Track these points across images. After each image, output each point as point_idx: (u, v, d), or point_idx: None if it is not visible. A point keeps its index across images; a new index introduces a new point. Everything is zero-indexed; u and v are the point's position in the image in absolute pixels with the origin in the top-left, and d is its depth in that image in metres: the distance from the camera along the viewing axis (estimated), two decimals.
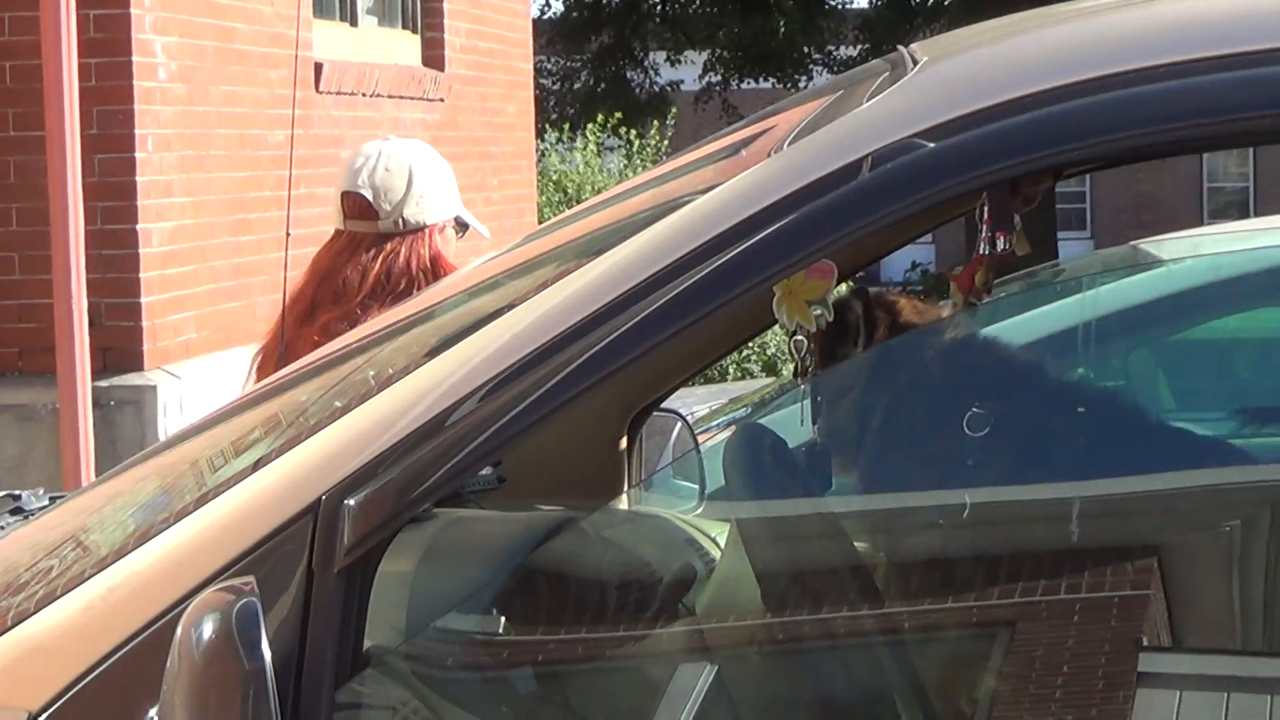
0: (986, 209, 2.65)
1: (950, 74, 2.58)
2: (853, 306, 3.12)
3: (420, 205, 4.93)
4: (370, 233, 4.91)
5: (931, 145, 2.37)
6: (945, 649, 2.77)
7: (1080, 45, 2.54)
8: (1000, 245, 2.51)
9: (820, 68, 26.43)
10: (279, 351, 4.86)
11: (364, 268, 4.86)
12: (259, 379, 4.89)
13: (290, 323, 4.89)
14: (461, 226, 5.09)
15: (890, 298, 3.29)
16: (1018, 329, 4.70)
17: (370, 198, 4.90)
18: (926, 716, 2.66)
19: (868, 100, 2.53)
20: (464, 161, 12.47)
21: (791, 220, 2.36)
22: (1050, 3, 2.95)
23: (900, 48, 2.82)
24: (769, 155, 2.50)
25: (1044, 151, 2.42)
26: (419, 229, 4.93)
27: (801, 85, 25.21)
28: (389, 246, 4.89)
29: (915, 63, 2.64)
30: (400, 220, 4.91)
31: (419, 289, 4.78)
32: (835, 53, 26.73)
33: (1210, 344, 5.74)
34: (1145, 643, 2.71)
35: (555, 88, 27.48)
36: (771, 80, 25.92)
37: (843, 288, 2.92)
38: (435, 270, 4.93)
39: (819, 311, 2.55)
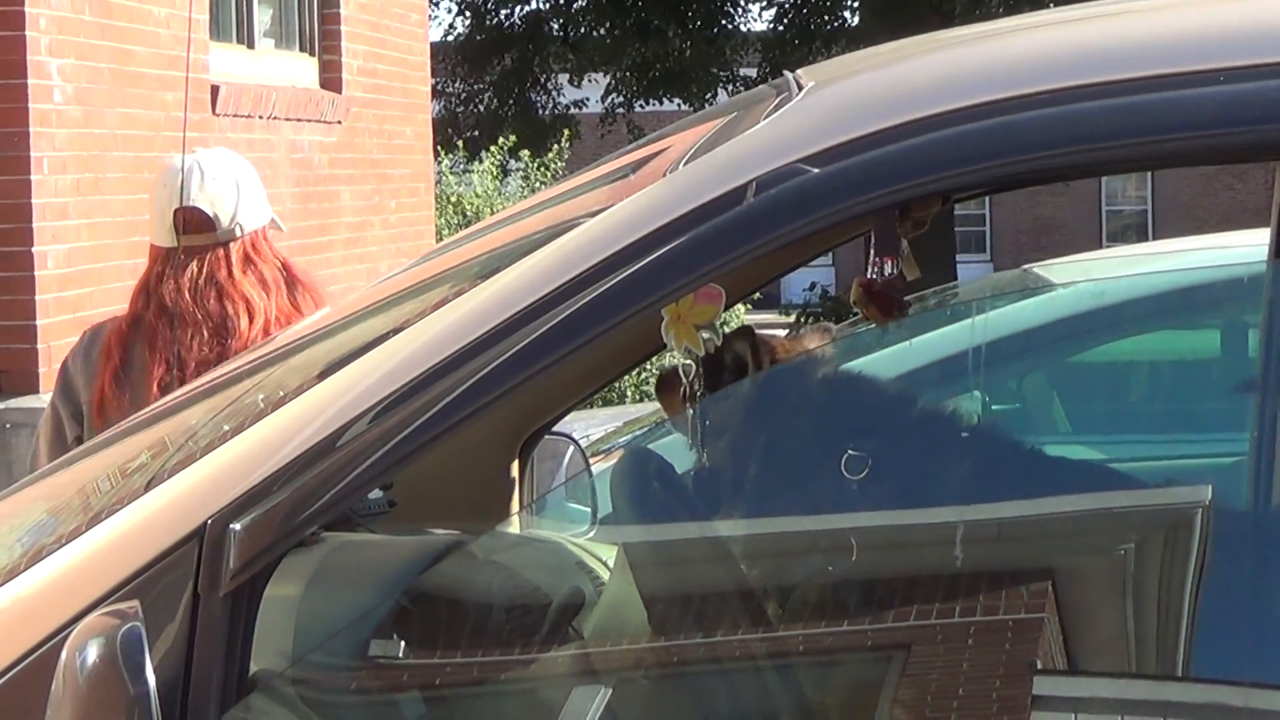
0: (873, 234, 2.66)
1: (834, 99, 2.58)
2: (733, 347, 3.11)
3: (250, 210, 5.05)
4: (210, 244, 4.97)
5: (815, 170, 2.37)
6: (837, 673, 2.77)
7: (964, 71, 2.54)
8: (888, 269, 2.52)
9: (727, 86, 26.55)
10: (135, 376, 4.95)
11: (223, 280, 4.94)
12: (101, 408, 4.94)
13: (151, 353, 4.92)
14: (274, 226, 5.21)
15: (772, 342, 3.28)
16: (909, 352, 4.72)
17: (207, 210, 4.96)
18: None
19: (757, 124, 2.53)
20: (362, 184, 12.46)
21: (679, 244, 2.37)
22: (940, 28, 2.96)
23: (786, 72, 2.82)
24: (661, 177, 2.50)
25: (928, 176, 2.42)
26: (253, 232, 5.04)
27: (709, 104, 25.32)
28: (236, 253, 4.98)
29: (800, 88, 2.64)
30: (238, 226, 5.01)
31: (278, 288, 4.97)
32: (739, 73, 26.83)
33: (1102, 367, 5.77)
34: (1039, 666, 2.71)
35: (459, 109, 27.51)
36: (677, 101, 26.00)
37: (742, 312, 2.91)
38: (285, 267, 5.08)
39: (707, 336, 2.55)
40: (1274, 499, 3.14)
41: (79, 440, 4.96)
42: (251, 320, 4.92)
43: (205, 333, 4.91)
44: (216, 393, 2.97)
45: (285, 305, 5.01)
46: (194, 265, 4.96)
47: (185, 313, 4.92)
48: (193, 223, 4.96)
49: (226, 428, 2.52)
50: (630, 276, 2.37)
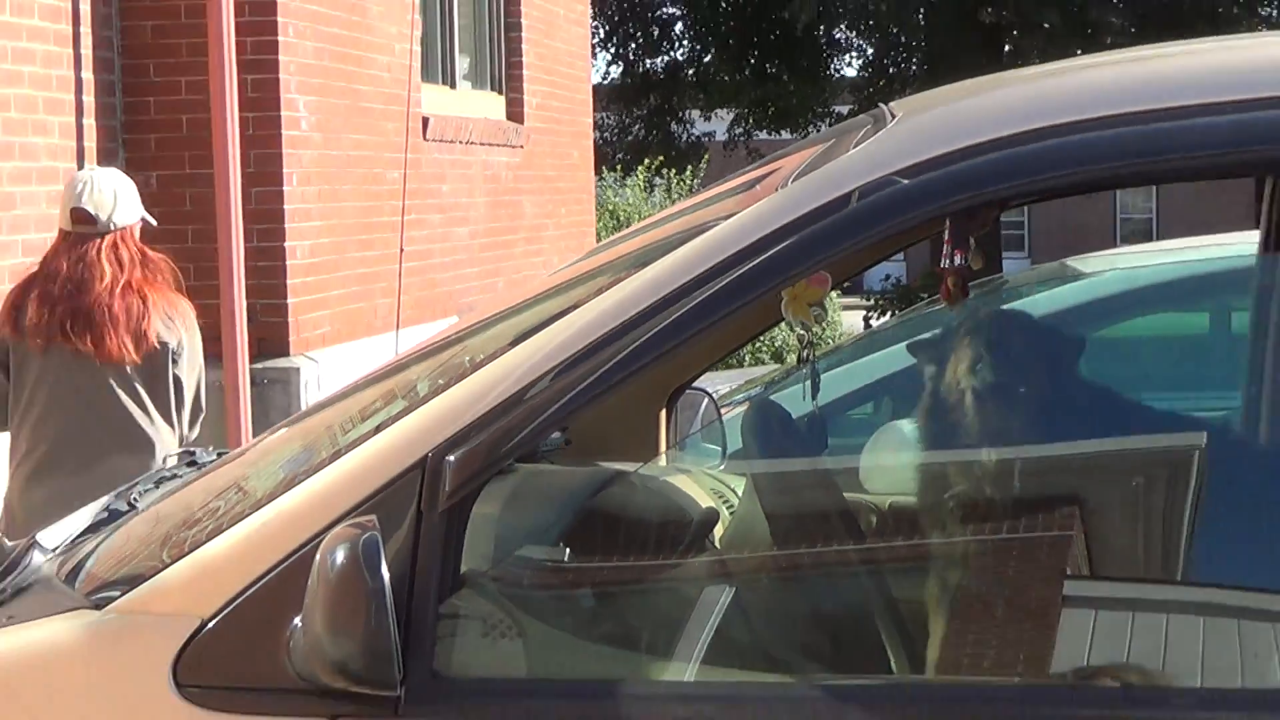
0: (948, 232, 2.65)
1: (920, 126, 2.57)
2: None
3: (123, 213, 5.65)
4: (92, 233, 5.59)
5: (906, 182, 2.37)
6: (916, 577, 2.76)
7: (1019, 104, 2.53)
8: (958, 260, 2.51)
9: (825, 120, 26.37)
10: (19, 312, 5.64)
11: (92, 257, 5.58)
12: (12, 328, 5.64)
13: (33, 301, 5.60)
14: (147, 223, 5.85)
15: None
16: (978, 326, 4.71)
17: (92, 210, 5.59)
18: (899, 629, 2.65)
19: (855, 146, 2.52)
20: (538, 195, 12.48)
21: (795, 240, 2.37)
22: (997, 70, 2.94)
23: (881, 104, 2.81)
24: (777, 189, 2.50)
25: (993, 187, 2.42)
26: (124, 228, 5.63)
27: (810, 134, 25.23)
28: (107, 240, 5.61)
29: (893, 117, 2.65)
30: (112, 223, 5.60)
31: (132, 264, 5.60)
32: (834, 110, 26.65)
33: (1124, 339, 5.72)
34: (1068, 572, 2.70)
35: (614, 138, 27.47)
36: (785, 131, 25.85)
37: (834, 295, 2.90)
38: (142, 252, 5.69)
39: (817, 312, 2.55)
40: (1258, 444, 3.12)
41: None
42: (101, 283, 5.52)
43: (70, 288, 5.53)
44: (433, 355, 2.98)
45: (137, 276, 5.58)
46: (78, 247, 5.59)
47: (62, 276, 5.57)
48: (81, 218, 5.62)
49: (441, 382, 2.54)
50: (756, 266, 2.36)
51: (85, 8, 7.90)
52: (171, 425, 5.60)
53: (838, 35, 25.46)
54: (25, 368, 5.60)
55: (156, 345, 5.52)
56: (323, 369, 8.47)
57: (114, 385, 5.53)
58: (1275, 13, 22.86)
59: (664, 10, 26.88)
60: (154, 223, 5.88)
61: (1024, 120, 2.41)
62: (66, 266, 5.54)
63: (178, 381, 5.62)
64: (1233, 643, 2.56)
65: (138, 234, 5.66)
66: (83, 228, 5.58)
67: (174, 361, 5.58)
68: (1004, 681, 2.53)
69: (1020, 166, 2.38)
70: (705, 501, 2.90)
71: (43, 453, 5.56)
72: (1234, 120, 2.35)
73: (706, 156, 25.33)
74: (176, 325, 5.60)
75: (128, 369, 5.52)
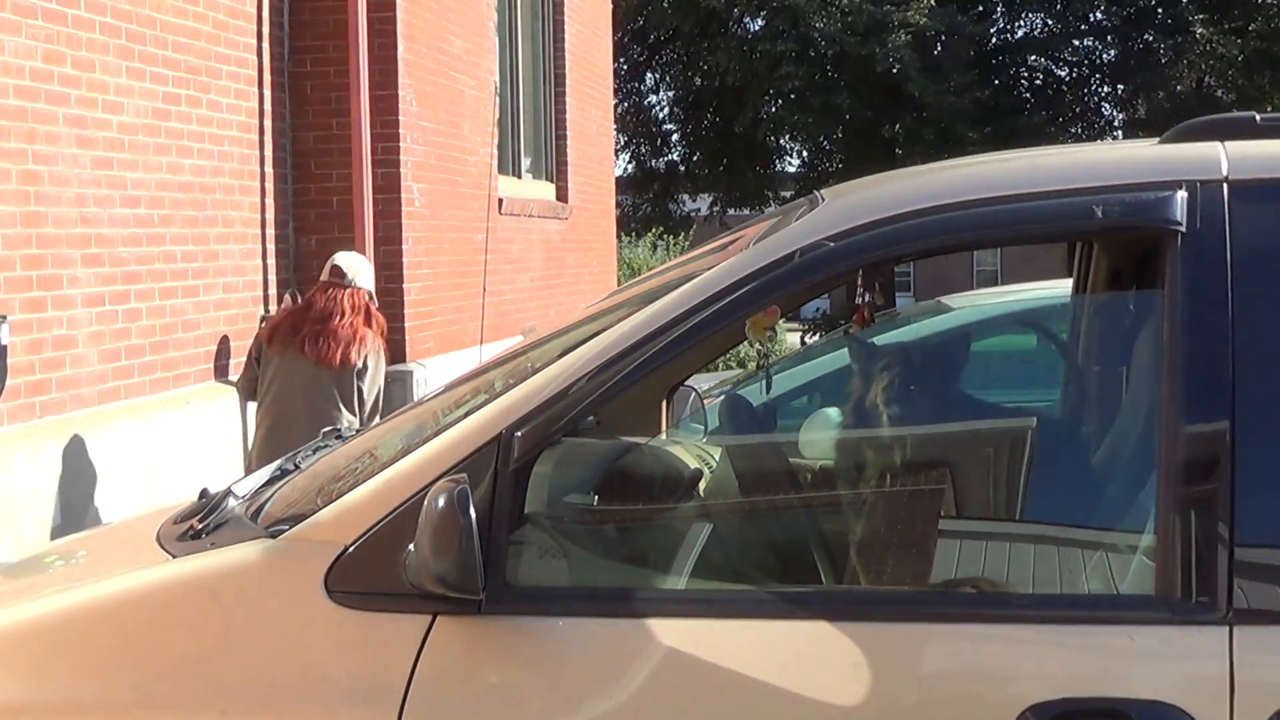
0: (861, 279, 2.63)
1: (842, 206, 2.54)
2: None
3: (361, 279, 6.28)
4: (340, 285, 6.21)
5: (832, 244, 2.35)
6: (839, 516, 2.75)
7: (909, 193, 2.51)
8: (868, 298, 2.50)
9: (773, 202, 26.28)
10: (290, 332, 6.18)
11: (337, 300, 6.18)
12: (269, 340, 6.24)
13: (308, 323, 6.16)
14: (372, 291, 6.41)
15: None
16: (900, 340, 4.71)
17: (344, 269, 6.25)
18: (826, 551, 2.63)
19: (797, 220, 2.51)
20: (578, 252, 12.48)
21: (755, 285, 2.35)
22: (893, 168, 2.92)
23: (815, 191, 2.80)
24: (743, 250, 2.49)
25: (891, 250, 2.41)
26: (360, 288, 6.24)
27: (765, 211, 25.11)
28: (347, 292, 6.20)
29: (823, 200, 2.63)
30: (354, 283, 6.23)
31: (355, 311, 6.15)
32: (781, 194, 26.60)
33: (980, 353, 5.71)
34: (942, 514, 2.69)
35: (630, 214, 27.42)
36: (747, 209, 25.79)
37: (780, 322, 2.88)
38: (367, 307, 6.24)
39: (770, 334, 2.53)
40: (1071, 426, 3.11)
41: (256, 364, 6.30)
42: (340, 318, 6.09)
43: (319, 316, 6.12)
44: (504, 363, 2.97)
45: (359, 320, 6.12)
46: (329, 291, 6.20)
47: (316, 308, 6.17)
48: (335, 274, 6.26)
49: (511, 381, 2.52)
50: (728, 303, 2.36)
51: (268, 123, 7.92)
52: (351, 413, 6.04)
53: (783, 143, 25.38)
54: (268, 365, 6.17)
55: (352, 363, 6.03)
56: (429, 372, 8.46)
57: (320, 383, 6.01)
58: (1082, 131, 22.87)
59: (665, 126, 26.89)
60: (374, 297, 6.46)
61: (913, 204, 2.40)
62: (320, 303, 6.17)
63: (359, 390, 6.04)
64: (1054, 561, 2.54)
65: (367, 297, 6.29)
66: (335, 279, 6.22)
67: (359, 376, 6.04)
68: (898, 588, 2.52)
69: (909, 235, 2.37)
70: (693, 464, 2.89)
71: (270, 422, 6.09)
72: (1051, 204, 2.34)
73: (694, 227, 25.31)
74: (367, 354, 6.10)
75: (330, 374, 6.02)
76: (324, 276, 6.30)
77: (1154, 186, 2.29)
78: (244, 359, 6.68)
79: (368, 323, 6.17)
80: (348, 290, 6.17)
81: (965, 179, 2.55)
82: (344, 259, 6.32)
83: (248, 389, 6.39)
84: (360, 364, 6.02)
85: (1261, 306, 2.21)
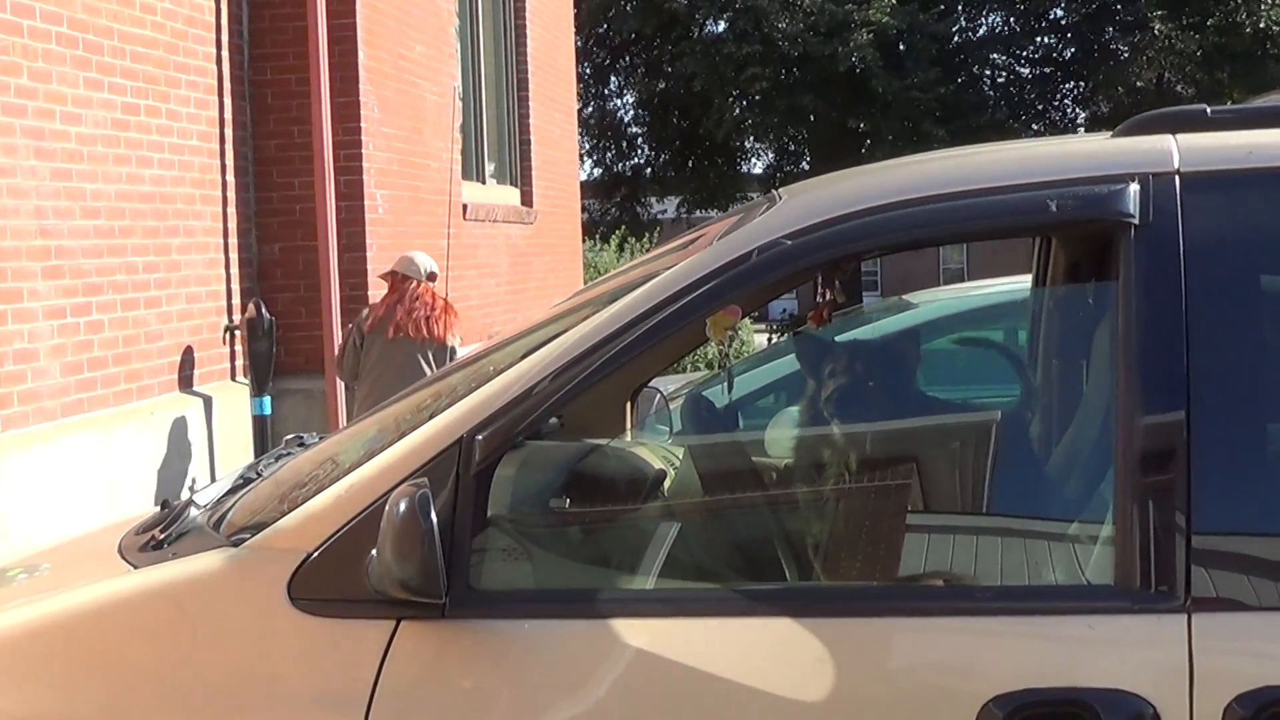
0: (821, 277, 2.63)
1: (799, 205, 2.54)
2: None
3: (427, 272, 7.40)
4: (415, 277, 7.36)
5: (790, 243, 2.35)
6: (803, 513, 2.75)
7: (868, 190, 2.50)
8: (828, 296, 2.49)
9: (737, 202, 26.27)
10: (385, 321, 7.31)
11: (423, 289, 7.37)
12: (371, 327, 7.29)
13: (403, 311, 7.32)
14: (431, 278, 7.47)
15: None
16: (850, 338, 4.73)
17: (421, 266, 7.41)
18: (791, 549, 2.63)
19: (756, 218, 2.51)
20: (544, 256, 12.47)
21: (715, 283, 2.35)
22: (856, 165, 2.92)
23: (774, 190, 2.80)
24: (704, 249, 2.48)
25: (849, 246, 2.41)
26: (421, 281, 7.34)
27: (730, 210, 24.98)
28: (424, 285, 7.37)
29: (781, 198, 2.63)
30: (424, 277, 7.37)
31: (435, 297, 7.37)
32: (745, 195, 26.61)
33: (942, 349, 5.74)
34: (909, 507, 2.70)
35: (596, 218, 27.39)
36: (713, 210, 25.83)
37: (747, 321, 2.88)
38: (444, 298, 7.46)
39: (731, 334, 2.53)
40: (1034, 419, 3.12)
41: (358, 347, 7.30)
42: (434, 303, 7.27)
43: (408, 304, 7.23)
44: (468, 366, 2.96)
45: (439, 305, 7.30)
46: (408, 283, 7.35)
47: (409, 296, 7.29)
48: (411, 267, 7.40)
49: (473, 384, 2.51)
50: (689, 301, 2.35)
51: (229, 131, 7.88)
52: None
53: (748, 144, 25.43)
54: (371, 347, 7.17)
55: (445, 340, 7.18)
56: None
57: (418, 358, 7.05)
58: (1045, 127, 23.00)
59: (630, 129, 26.87)
60: (436, 276, 7.52)
61: (870, 200, 2.39)
62: (411, 293, 7.25)
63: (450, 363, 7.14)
64: (1020, 553, 2.55)
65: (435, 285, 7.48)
66: (411, 271, 7.36)
67: (452, 353, 7.14)
68: (865, 583, 2.51)
69: (867, 232, 2.37)
70: (657, 465, 2.88)
71: (366, 393, 7.06)
72: (1006, 199, 2.35)
73: (659, 229, 25.30)
74: (454, 333, 7.27)
75: (434, 350, 7.11)
76: (399, 270, 7.36)
77: (1107, 180, 2.30)
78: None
79: (448, 310, 7.34)
80: (424, 283, 7.29)
81: (923, 175, 2.55)
82: (420, 258, 7.42)
83: (351, 370, 7.29)
84: (452, 343, 7.18)
85: (1214, 297, 2.22)
